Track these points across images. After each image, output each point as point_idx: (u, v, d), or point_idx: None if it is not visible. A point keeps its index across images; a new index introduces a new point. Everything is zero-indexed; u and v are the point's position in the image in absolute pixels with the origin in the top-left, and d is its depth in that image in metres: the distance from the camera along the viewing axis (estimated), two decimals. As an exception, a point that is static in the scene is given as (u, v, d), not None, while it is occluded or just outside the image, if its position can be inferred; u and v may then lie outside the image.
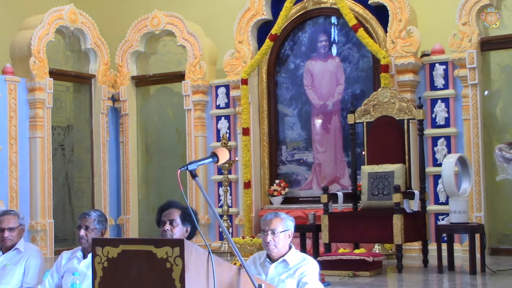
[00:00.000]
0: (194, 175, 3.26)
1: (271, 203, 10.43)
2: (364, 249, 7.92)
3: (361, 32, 9.51)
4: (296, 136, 10.51)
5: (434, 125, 9.38)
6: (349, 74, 10.13)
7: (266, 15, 10.57)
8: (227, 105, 10.90)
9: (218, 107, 10.99)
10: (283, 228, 4.23)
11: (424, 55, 9.61)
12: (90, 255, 4.60)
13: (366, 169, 8.45)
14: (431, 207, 9.16)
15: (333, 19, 10.28)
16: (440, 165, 8.49)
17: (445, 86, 9.38)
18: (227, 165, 9.75)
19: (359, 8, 9.88)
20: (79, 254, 4.67)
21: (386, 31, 9.67)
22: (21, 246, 5.21)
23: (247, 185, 10.32)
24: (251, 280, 3.10)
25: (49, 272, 4.78)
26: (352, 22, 9.55)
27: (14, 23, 10.98)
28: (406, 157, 8.35)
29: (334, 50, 10.28)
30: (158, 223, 4.32)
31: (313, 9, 10.30)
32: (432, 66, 9.48)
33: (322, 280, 5.77)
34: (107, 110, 11.47)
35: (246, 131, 10.39)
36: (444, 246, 7.76)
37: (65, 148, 11.26)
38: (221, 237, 10.57)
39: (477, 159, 8.93)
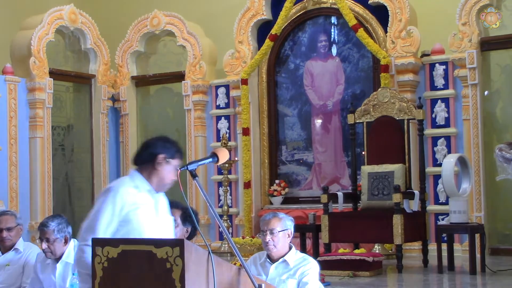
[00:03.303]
0: (194, 175, 3.27)
1: (271, 203, 10.43)
2: (364, 249, 7.92)
3: (361, 32, 9.51)
4: (296, 136, 10.51)
5: (434, 125, 9.38)
6: (349, 74, 10.13)
7: (266, 15, 10.56)
8: (227, 105, 10.90)
9: (218, 107, 10.98)
10: (281, 228, 4.23)
11: (424, 55, 9.61)
12: (59, 265, 4.60)
13: (366, 169, 8.45)
14: (431, 207, 9.15)
15: (333, 19, 10.27)
16: (440, 165, 8.49)
17: (445, 86, 9.38)
18: (227, 165, 9.76)
19: (359, 8, 9.88)
20: (51, 262, 4.66)
21: (386, 31, 9.67)
22: (20, 246, 5.22)
23: (247, 185, 10.32)
24: (251, 280, 3.10)
25: (31, 279, 4.79)
26: (352, 22, 9.55)
27: (14, 23, 10.97)
28: (406, 157, 8.35)
29: (334, 50, 10.28)
30: (158, 223, 4.32)
31: (313, 9, 10.30)
32: (432, 66, 9.48)
33: (322, 280, 5.77)
34: (107, 110, 11.47)
35: (246, 131, 10.39)
36: (444, 246, 7.76)
37: (65, 148, 11.26)
38: (221, 237, 10.57)
39: (477, 159, 8.92)
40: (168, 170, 3.48)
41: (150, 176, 3.47)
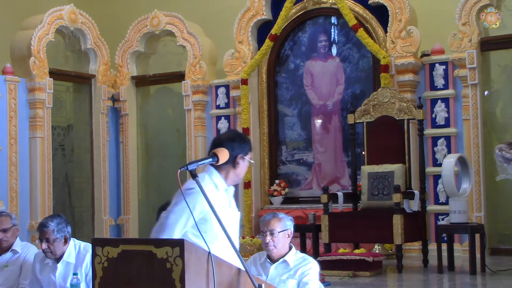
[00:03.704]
0: (194, 175, 3.27)
1: (271, 203, 10.43)
2: (364, 249, 7.92)
3: (361, 32, 9.51)
4: (296, 136, 10.51)
5: (434, 125, 9.38)
6: (349, 74, 10.13)
7: (266, 15, 10.57)
8: (227, 105, 10.90)
9: (218, 107, 10.99)
10: (281, 228, 4.23)
11: (424, 55, 9.61)
12: (60, 265, 4.59)
13: (366, 169, 8.45)
14: (431, 207, 9.15)
15: (333, 19, 10.27)
16: (440, 165, 8.49)
17: (445, 86, 9.38)
18: (227, 165, 9.74)
19: (359, 8, 9.88)
20: (51, 262, 4.65)
21: (386, 31, 9.67)
22: (18, 247, 5.19)
23: (247, 185, 10.32)
24: (251, 280, 3.10)
25: (29, 281, 4.79)
26: (352, 22, 9.55)
27: (14, 23, 10.97)
28: (406, 157, 8.35)
29: (334, 50, 10.28)
30: (158, 223, 4.32)
31: (313, 9, 10.30)
32: (432, 66, 9.48)
33: (322, 280, 5.77)
34: (107, 110, 11.47)
35: (246, 131, 10.38)
36: (444, 246, 7.76)
37: (65, 148, 11.25)
38: (221, 237, 10.54)
39: (477, 159, 8.92)
40: (244, 166, 3.57)
41: (227, 174, 3.55)
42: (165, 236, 3.32)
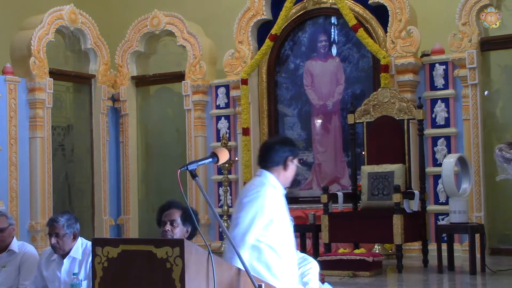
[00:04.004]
0: (194, 175, 3.27)
1: (271, 203, 10.41)
2: (364, 249, 7.92)
3: (361, 32, 9.51)
4: (296, 136, 10.50)
5: (434, 125, 9.38)
6: (349, 74, 10.13)
7: (266, 15, 10.57)
8: (227, 105, 10.90)
9: (218, 107, 10.99)
10: (282, 228, 4.23)
11: (424, 55, 9.61)
12: (66, 260, 4.60)
13: (366, 169, 8.45)
14: (431, 207, 9.15)
15: (333, 19, 10.28)
16: (440, 165, 8.50)
17: (445, 86, 9.38)
18: (227, 165, 9.76)
19: (359, 8, 9.88)
20: (57, 258, 4.67)
21: (386, 31, 9.67)
22: (15, 247, 5.18)
23: (247, 185, 10.30)
24: (251, 280, 3.10)
25: (33, 277, 4.79)
26: (352, 22, 9.55)
27: (14, 23, 10.97)
28: (406, 157, 8.35)
29: (334, 50, 10.28)
30: (159, 223, 4.32)
31: (313, 9, 10.30)
32: (432, 66, 9.48)
33: (322, 280, 5.77)
34: (107, 110, 11.47)
35: (246, 131, 10.39)
36: (444, 246, 7.76)
37: (65, 148, 11.25)
38: (221, 237, 10.56)
39: (477, 159, 8.92)
40: (293, 169, 3.78)
41: (279, 176, 3.73)
42: (240, 248, 3.38)
